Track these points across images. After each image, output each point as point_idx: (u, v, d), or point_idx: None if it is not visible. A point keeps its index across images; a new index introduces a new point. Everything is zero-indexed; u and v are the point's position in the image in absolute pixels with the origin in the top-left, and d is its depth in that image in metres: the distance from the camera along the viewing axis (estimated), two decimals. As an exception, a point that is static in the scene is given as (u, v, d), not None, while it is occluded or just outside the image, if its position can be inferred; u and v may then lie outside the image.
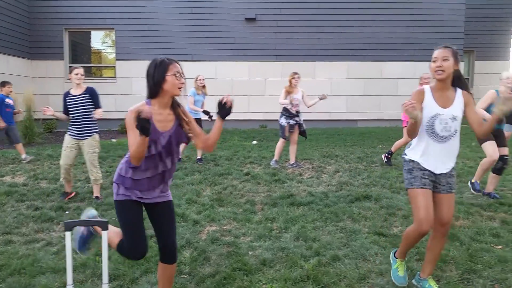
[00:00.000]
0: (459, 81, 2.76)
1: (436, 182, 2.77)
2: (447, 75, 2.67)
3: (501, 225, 4.26)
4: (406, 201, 5.01)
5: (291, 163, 7.41)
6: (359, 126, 14.39)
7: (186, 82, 2.47)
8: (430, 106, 2.72)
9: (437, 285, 2.87)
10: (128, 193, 2.42)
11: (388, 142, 10.16)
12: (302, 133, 7.41)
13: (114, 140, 11.03)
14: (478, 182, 5.47)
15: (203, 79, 7.89)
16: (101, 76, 14.83)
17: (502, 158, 5.26)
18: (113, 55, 14.33)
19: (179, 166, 7.34)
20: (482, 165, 5.36)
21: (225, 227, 4.26)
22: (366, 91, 14.22)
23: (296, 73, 7.21)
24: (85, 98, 5.14)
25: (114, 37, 14.12)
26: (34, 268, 3.26)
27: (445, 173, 2.75)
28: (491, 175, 5.34)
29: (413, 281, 2.99)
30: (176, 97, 2.48)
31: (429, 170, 2.74)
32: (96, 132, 5.28)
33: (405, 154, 2.87)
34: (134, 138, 2.20)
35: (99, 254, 3.48)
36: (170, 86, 2.36)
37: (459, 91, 2.76)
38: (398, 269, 2.93)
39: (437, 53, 2.69)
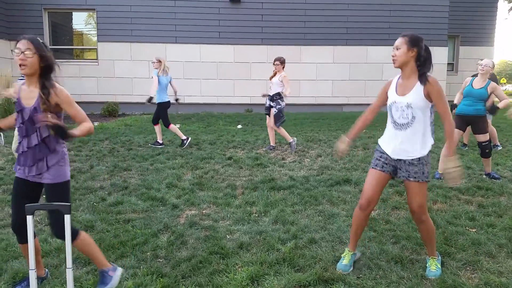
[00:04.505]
0: (424, 68, 2.71)
1: (396, 167, 2.85)
2: (400, 63, 2.71)
3: (478, 208, 4.32)
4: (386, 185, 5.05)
5: (269, 145, 7.51)
6: (344, 111, 14.43)
7: (35, 59, 2.38)
8: (391, 94, 2.84)
9: (435, 266, 2.92)
10: (19, 171, 2.56)
11: (371, 127, 10.19)
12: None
13: (96, 123, 10.86)
14: (440, 172, 5.52)
15: (153, 61, 7.60)
16: (83, 58, 14.51)
17: (479, 145, 5.37)
18: (95, 37, 14.01)
19: (161, 150, 7.28)
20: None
21: (204, 211, 4.24)
22: (352, 76, 14.22)
23: (275, 60, 7.24)
24: None
25: (95, 18, 13.79)
26: (7, 253, 3.20)
27: (405, 160, 2.77)
28: (482, 159, 5.54)
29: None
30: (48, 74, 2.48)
31: (387, 153, 2.84)
32: None
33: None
34: None
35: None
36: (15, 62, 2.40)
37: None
38: (344, 258, 3.00)
39: (395, 43, 2.74)
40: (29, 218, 1.87)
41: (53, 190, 2.53)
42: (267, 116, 7.44)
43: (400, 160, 2.79)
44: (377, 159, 2.89)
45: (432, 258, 2.97)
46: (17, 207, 2.52)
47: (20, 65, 2.37)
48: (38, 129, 2.46)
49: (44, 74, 2.44)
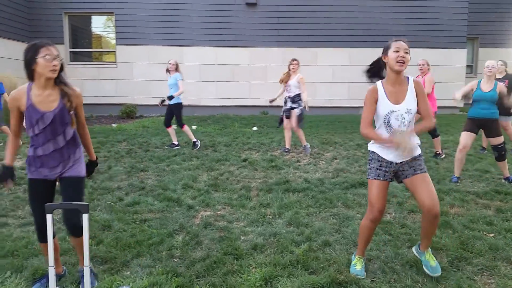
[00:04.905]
0: None
1: (398, 171, 2.83)
2: (406, 67, 2.73)
3: (496, 213, 4.25)
4: (401, 188, 5.00)
5: (284, 147, 7.54)
6: (361, 114, 14.32)
7: (63, 64, 2.52)
8: (384, 104, 2.77)
9: (434, 260, 2.89)
10: (35, 172, 2.59)
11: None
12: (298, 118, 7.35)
13: (114, 125, 11.04)
14: (457, 176, 5.46)
15: (172, 63, 7.76)
16: (101, 61, 14.77)
17: (495, 148, 5.29)
18: (114, 40, 14.25)
19: (177, 151, 7.36)
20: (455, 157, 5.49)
21: (219, 212, 4.27)
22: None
23: (293, 60, 7.29)
24: None
25: (114, 22, 14.02)
26: (27, 250, 3.29)
27: (406, 160, 2.79)
28: (498, 163, 5.44)
29: (413, 248, 3.07)
30: (63, 76, 2.57)
31: (387, 161, 2.80)
32: None
33: (368, 144, 2.96)
34: (13, 120, 2.54)
35: (92, 237, 3.52)
36: (41, 68, 2.42)
37: (410, 81, 2.79)
38: (356, 264, 2.98)
39: (399, 44, 2.73)
40: (49, 217, 1.93)
41: (76, 183, 2.62)
42: (285, 118, 7.38)
43: (402, 163, 2.79)
44: (377, 169, 2.84)
45: (426, 252, 2.94)
46: (40, 208, 2.55)
47: (53, 71, 2.44)
48: (64, 130, 2.53)
49: (59, 75, 2.54)
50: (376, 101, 2.81)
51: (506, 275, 2.92)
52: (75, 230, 2.59)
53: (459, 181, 5.37)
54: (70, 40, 14.19)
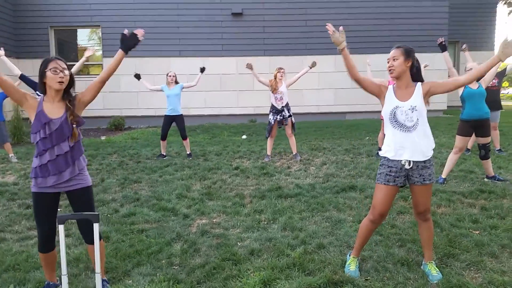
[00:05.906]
0: (418, 76, 2.96)
1: (409, 175, 2.92)
2: (398, 73, 2.88)
3: (481, 211, 4.43)
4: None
5: (294, 153, 7.60)
6: (347, 119, 14.56)
7: (69, 76, 2.68)
8: (390, 100, 2.94)
9: (436, 269, 3.00)
10: (40, 185, 2.66)
11: (375, 133, 10.32)
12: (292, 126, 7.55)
13: (103, 137, 11.05)
14: (444, 177, 5.63)
15: (172, 75, 8.06)
16: (88, 74, 14.76)
17: (483, 147, 5.48)
18: (100, 52, 14.27)
19: (169, 162, 7.43)
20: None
21: (214, 220, 4.37)
22: (354, 84, 14.26)
23: (281, 68, 7.45)
24: None
25: (100, 34, 14.06)
26: (28, 264, 3.34)
27: (417, 166, 2.88)
28: (482, 162, 5.64)
29: (422, 267, 3.14)
30: (71, 90, 2.76)
31: (397, 166, 2.88)
32: None
33: (380, 149, 3.04)
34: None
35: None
36: (49, 80, 2.60)
37: (418, 84, 2.94)
38: (350, 265, 3.11)
39: (390, 53, 2.91)
40: (61, 228, 2.01)
41: (87, 193, 2.75)
42: (276, 126, 7.50)
43: (412, 169, 2.87)
44: (387, 174, 2.91)
45: (429, 262, 3.06)
46: (46, 221, 2.68)
47: (60, 83, 2.61)
48: (68, 136, 2.65)
49: (68, 88, 2.72)
50: (381, 89, 3.00)
51: (491, 269, 3.07)
52: (90, 238, 2.69)
53: (445, 182, 5.55)
54: (57, 54, 14.16)
